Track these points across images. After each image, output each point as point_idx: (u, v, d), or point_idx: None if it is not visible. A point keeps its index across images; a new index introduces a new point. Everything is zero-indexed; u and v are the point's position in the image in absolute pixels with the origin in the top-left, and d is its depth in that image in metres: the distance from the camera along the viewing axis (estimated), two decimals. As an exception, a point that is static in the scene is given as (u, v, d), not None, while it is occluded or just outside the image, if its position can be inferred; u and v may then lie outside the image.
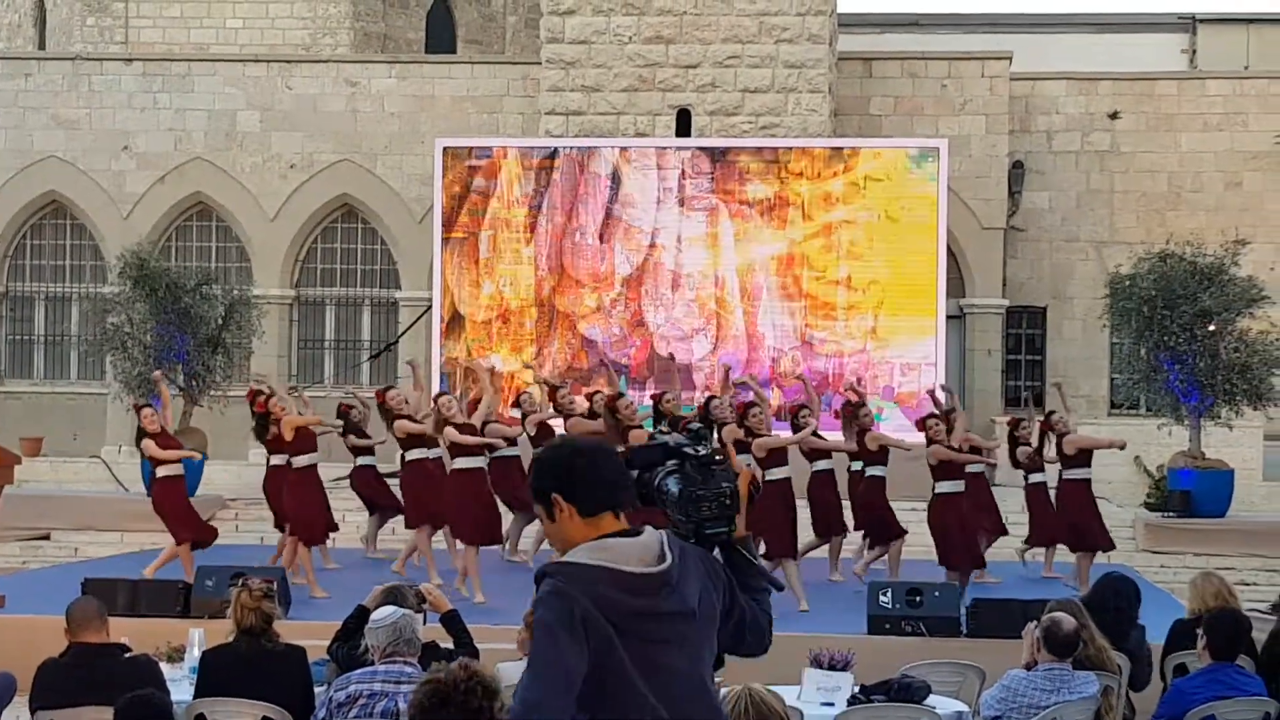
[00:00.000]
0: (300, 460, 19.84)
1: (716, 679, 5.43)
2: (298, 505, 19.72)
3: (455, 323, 30.23)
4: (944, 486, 18.65)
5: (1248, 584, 23.40)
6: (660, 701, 5.11)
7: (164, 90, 33.35)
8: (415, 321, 32.29)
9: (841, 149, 30.20)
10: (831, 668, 10.62)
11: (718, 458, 5.45)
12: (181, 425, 26.96)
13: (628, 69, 30.64)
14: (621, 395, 20.00)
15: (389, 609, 9.19)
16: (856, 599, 17.28)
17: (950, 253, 31.92)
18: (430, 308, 30.92)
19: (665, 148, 30.16)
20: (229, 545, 22.32)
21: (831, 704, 10.43)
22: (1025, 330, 33.87)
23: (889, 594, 15.89)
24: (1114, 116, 33.42)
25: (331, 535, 20.78)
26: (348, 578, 19.84)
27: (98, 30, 37.16)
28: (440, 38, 38.43)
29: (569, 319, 30.20)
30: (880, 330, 29.58)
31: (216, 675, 9.67)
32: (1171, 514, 25.45)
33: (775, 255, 29.96)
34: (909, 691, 10.45)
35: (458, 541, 18.80)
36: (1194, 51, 38.46)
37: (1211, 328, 25.08)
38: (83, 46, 36.47)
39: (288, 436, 19.70)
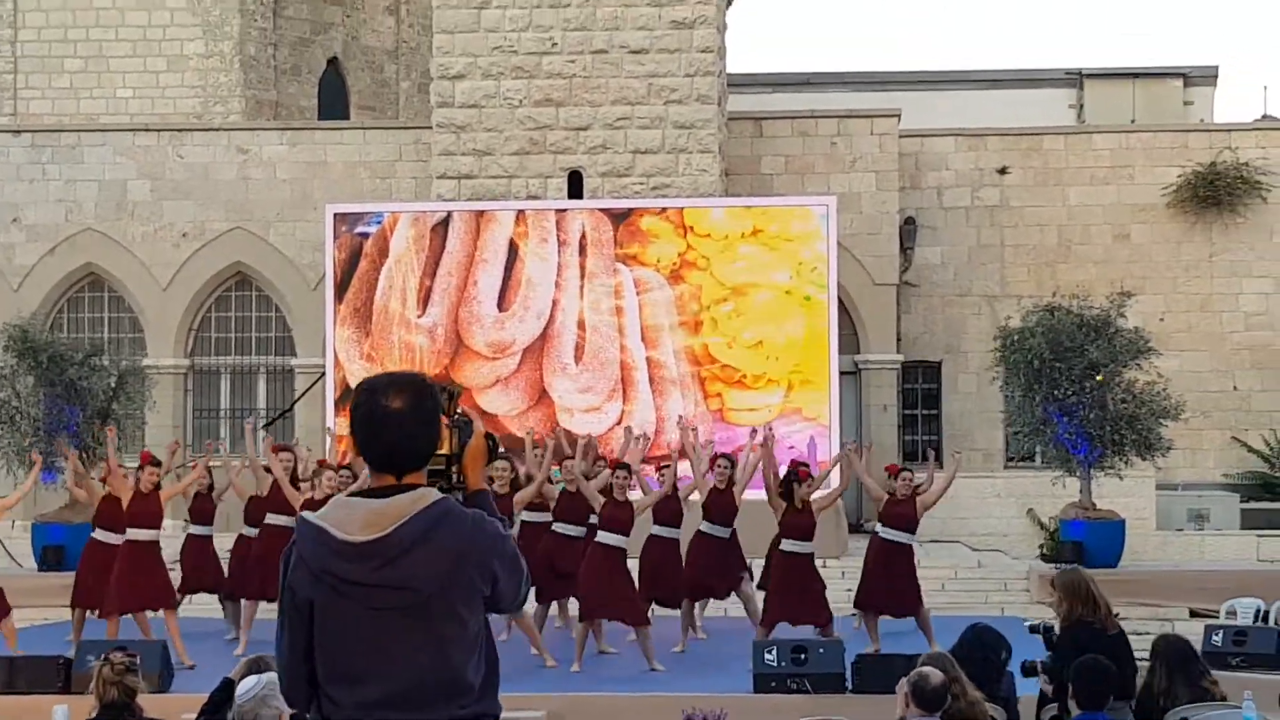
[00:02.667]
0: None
1: None
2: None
3: (349, 397, 29.71)
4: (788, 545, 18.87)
5: (1139, 634, 23.45)
6: (375, 661, 5.22)
7: (53, 161, 33.17)
8: (309, 389, 32.14)
9: (744, 208, 30.14)
10: (704, 728, 10.60)
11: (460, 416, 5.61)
12: (72, 498, 26.72)
13: (518, 132, 30.69)
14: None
15: (251, 680, 9.13)
16: (741, 657, 17.27)
17: (844, 309, 32.12)
18: (324, 375, 30.67)
19: (563, 209, 29.90)
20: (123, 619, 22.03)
21: (704, 765, 10.40)
22: (921, 385, 34.07)
23: (774, 652, 15.91)
24: (1003, 172, 33.76)
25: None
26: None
27: (-14, 102, 36.96)
28: (333, 104, 38.40)
29: (466, 392, 29.05)
30: (793, 399, 29.13)
31: (79, 752, 9.56)
32: (1064, 565, 25.55)
33: (681, 320, 29.58)
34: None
35: None
36: (1081, 106, 38.89)
37: (1099, 378, 25.29)
38: (-30, 119, 36.26)
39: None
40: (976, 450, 33.25)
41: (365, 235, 30.00)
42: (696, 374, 29.51)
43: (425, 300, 29.86)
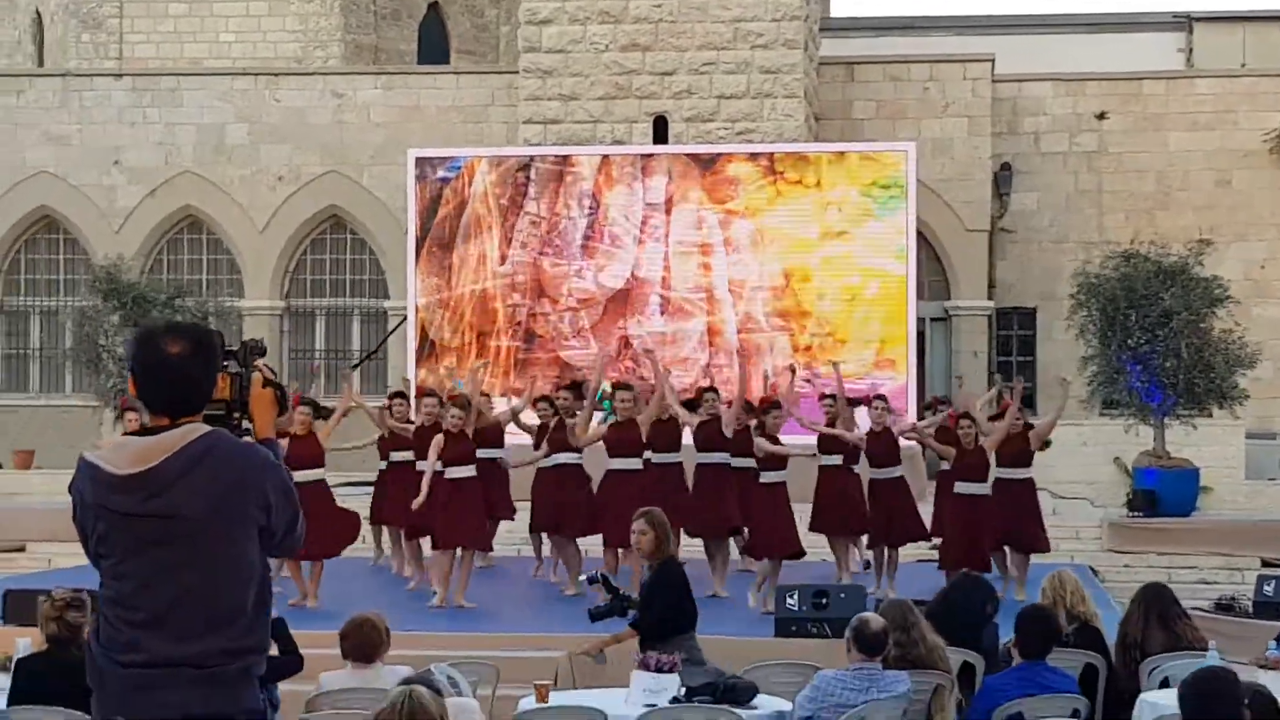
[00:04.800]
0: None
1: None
2: None
3: (426, 344, 29.51)
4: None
5: (1208, 583, 23.34)
6: (148, 589, 5.38)
7: (153, 105, 33.67)
8: (393, 330, 32.43)
9: (836, 154, 29.66)
10: (659, 670, 10.69)
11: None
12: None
13: (604, 77, 30.69)
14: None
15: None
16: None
17: (935, 256, 31.97)
18: (404, 320, 30.72)
19: (648, 155, 29.66)
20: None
21: (654, 705, 10.50)
22: (1017, 331, 33.80)
23: (795, 596, 15.93)
24: (1101, 117, 33.34)
25: None
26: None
27: (92, 46, 37.51)
28: (433, 48, 38.60)
29: (547, 342, 29.19)
30: (887, 351, 28.56)
31: (26, 683, 9.82)
32: (1137, 514, 25.36)
33: (770, 270, 29.09)
34: (734, 692, 10.51)
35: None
36: (1190, 50, 38.27)
37: (1171, 325, 24.96)
38: (78, 63, 36.83)
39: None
40: (1070, 398, 32.85)
41: (446, 181, 29.96)
42: (786, 326, 29.12)
43: (506, 248, 29.72)
